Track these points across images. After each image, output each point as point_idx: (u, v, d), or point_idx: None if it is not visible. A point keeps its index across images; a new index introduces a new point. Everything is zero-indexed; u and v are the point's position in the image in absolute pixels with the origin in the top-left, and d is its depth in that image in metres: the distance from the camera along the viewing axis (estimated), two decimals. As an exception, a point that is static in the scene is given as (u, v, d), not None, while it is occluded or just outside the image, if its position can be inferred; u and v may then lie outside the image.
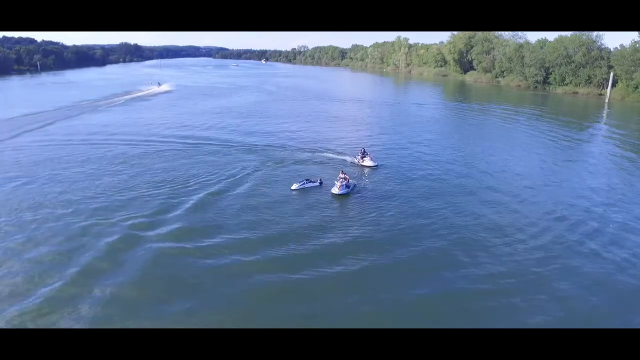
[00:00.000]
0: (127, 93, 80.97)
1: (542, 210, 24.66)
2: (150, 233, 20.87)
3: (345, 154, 36.34)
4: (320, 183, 28.02)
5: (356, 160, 33.31)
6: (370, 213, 24.04)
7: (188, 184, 27.90)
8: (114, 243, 19.84)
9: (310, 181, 27.88)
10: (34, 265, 17.96)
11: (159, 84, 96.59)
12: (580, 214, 24.40)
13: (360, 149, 34.18)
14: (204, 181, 28.53)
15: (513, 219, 23.44)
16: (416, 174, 31.66)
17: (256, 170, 31.29)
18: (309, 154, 36.71)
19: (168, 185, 27.68)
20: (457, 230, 21.95)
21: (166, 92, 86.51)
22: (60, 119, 52.54)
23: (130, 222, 21.99)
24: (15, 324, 14.25)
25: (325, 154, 36.87)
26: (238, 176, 29.80)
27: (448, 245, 20.28)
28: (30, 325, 14.13)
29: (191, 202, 24.88)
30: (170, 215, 22.98)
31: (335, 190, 26.34)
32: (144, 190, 26.79)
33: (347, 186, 26.79)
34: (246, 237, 20.49)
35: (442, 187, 28.78)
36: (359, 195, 27.16)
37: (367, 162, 32.45)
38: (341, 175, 27.28)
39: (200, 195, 25.99)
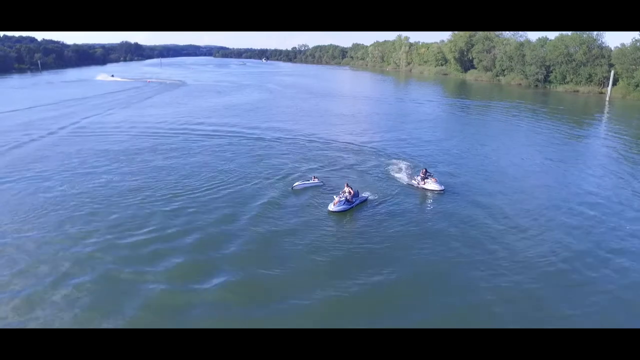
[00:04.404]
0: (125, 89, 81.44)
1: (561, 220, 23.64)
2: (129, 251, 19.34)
3: (361, 161, 34.11)
4: (316, 179, 27.87)
5: (415, 182, 28.05)
6: (361, 237, 20.78)
7: (187, 188, 27.63)
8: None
9: (310, 180, 27.82)
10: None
11: (113, 75, 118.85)
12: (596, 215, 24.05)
13: (422, 169, 28.84)
14: (204, 185, 28.17)
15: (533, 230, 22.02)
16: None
17: (261, 171, 30.89)
18: (320, 156, 35.64)
19: (172, 188, 27.03)
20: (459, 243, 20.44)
21: (165, 88, 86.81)
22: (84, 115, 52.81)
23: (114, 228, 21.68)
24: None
25: (338, 158, 35.26)
26: (235, 178, 29.63)
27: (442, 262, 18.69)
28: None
29: (182, 208, 23.80)
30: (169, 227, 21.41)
31: (330, 207, 23.15)
32: (143, 191, 26.76)
33: (349, 202, 23.56)
34: (218, 257, 18.70)
35: (455, 204, 25.44)
36: (365, 213, 23.63)
37: (431, 185, 27.20)
38: (345, 189, 24.23)
39: (198, 199, 25.19)
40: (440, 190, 26.91)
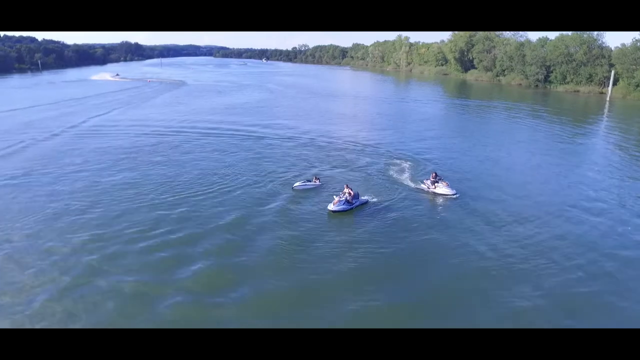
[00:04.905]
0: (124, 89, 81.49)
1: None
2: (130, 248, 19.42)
3: (368, 163, 33.32)
4: (318, 180, 27.84)
5: (425, 186, 27.18)
6: (362, 242, 20.29)
7: (188, 189, 27.57)
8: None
9: (311, 181, 27.80)
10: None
11: (117, 74, 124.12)
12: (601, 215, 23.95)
13: (432, 172, 28.02)
14: (206, 185, 28.22)
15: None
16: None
17: (265, 172, 30.70)
18: (321, 156, 35.42)
19: (177, 191, 26.67)
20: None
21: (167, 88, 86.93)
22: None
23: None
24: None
25: (339, 158, 34.93)
26: (237, 178, 29.59)
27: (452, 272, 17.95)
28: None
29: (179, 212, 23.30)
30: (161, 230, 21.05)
31: (330, 206, 23.30)
32: (141, 190, 26.77)
33: (349, 202, 23.58)
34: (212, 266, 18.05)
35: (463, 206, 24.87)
36: (365, 215, 23.38)
37: (442, 189, 26.29)
38: (345, 190, 24.23)
39: (198, 203, 24.72)
40: (452, 195, 25.94)
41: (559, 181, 30.74)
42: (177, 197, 25.35)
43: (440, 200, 25.95)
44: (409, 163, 33.37)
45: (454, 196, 25.97)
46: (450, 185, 26.64)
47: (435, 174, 27.54)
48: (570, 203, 26.05)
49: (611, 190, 28.71)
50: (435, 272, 18.11)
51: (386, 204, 25.02)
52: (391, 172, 30.98)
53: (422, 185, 27.46)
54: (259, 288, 16.53)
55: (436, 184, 26.62)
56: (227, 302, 15.63)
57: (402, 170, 31.37)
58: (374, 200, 25.32)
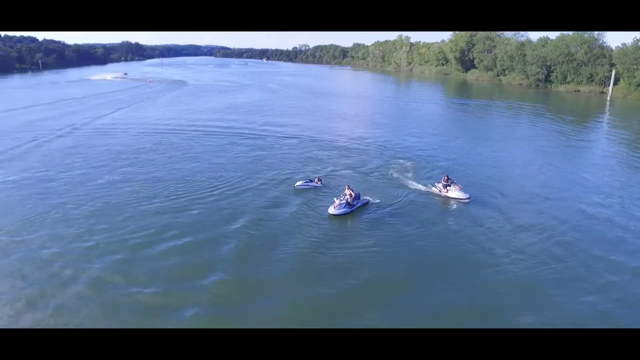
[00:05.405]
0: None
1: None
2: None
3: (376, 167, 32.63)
4: (320, 181, 27.87)
5: (437, 190, 26.61)
6: (366, 247, 19.75)
7: (191, 189, 27.53)
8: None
9: (313, 182, 27.83)
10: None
11: (126, 74, 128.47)
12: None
13: (443, 175, 27.20)
14: (208, 185, 28.23)
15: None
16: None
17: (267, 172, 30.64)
18: (323, 156, 35.20)
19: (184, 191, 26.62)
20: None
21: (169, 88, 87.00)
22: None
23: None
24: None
25: (341, 158, 34.64)
26: (238, 179, 29.57)
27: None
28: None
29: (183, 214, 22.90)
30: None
31: (331, 209, 22.69)
32: (139, 189, 26.79)
33: (350, 205, 23.03)
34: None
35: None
36: (369, 219, 22.85)
37: (455, 192, 25.67)
38: (346, 192, 23.65)
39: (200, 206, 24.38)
40: (465, 199, 25.24)
41: (562, 183, 30.53)
42: (179, 199, 25.13)
43: (451, 204, 25.25)
44: (411, 163, 33.17)
45: (467, 200, 25.27)
46: (463, 189, 25.88)
47: (447, 177, 26.77)
48: (574, 207, 25.72)
49: (614, 192, 28.46)
50: (446, 280, 17.42)
51: (392, 207, 24.34)
52: (395, 174, 30.48)
53: (433, 189, 26.79)
54: (262, 300, 15.95)
55: (448, 188, 25.97)
56: (236, 313, 15.13)
57: (406, 171, 30.98)
58: (377, 201, 24.77)
